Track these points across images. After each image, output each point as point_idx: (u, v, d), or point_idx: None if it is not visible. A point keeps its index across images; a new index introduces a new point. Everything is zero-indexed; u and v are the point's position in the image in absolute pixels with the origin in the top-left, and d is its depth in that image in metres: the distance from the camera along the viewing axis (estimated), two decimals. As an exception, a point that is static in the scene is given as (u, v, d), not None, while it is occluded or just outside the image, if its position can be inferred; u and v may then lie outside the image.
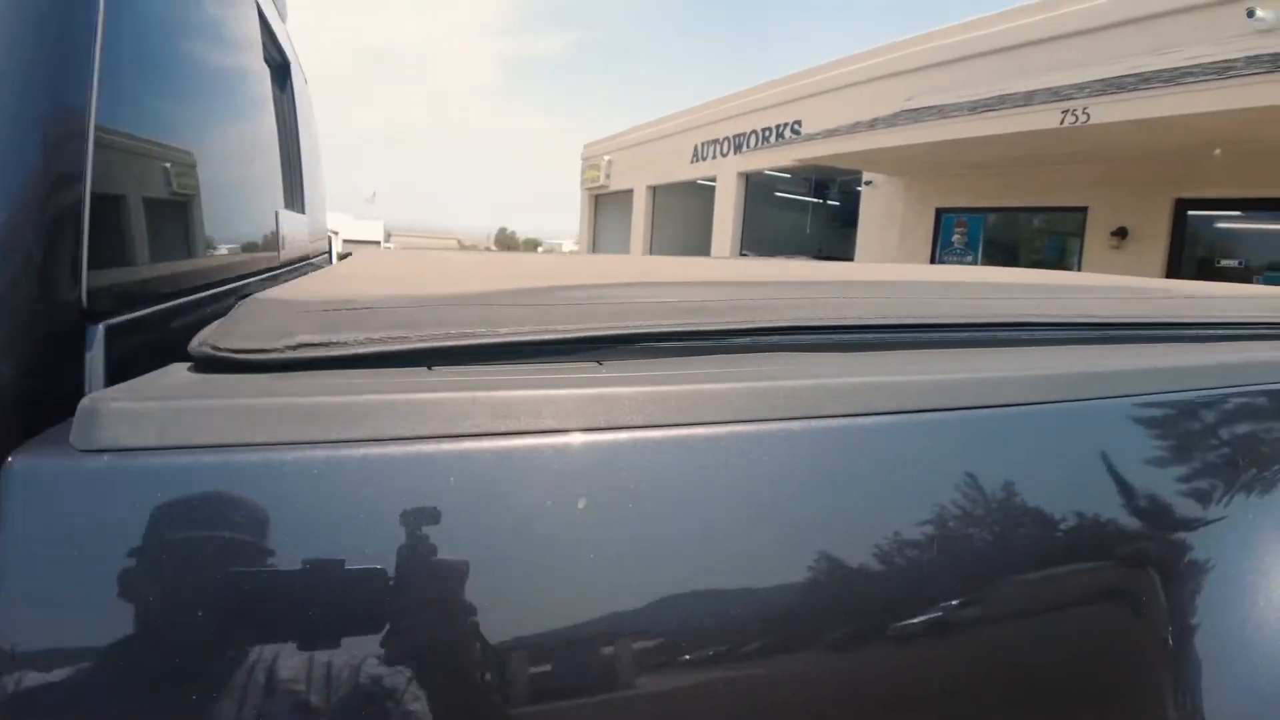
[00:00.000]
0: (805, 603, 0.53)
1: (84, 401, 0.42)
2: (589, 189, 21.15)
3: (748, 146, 14.22)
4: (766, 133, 13.85)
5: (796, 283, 0.73)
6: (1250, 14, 7.08)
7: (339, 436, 0.45)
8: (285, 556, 0.44)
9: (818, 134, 11.37)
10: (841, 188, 14.72)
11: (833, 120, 11.42)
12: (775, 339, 0.64)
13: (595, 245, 21.57)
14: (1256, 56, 6.54)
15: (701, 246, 16.12)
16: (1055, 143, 8.16)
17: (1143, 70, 7.34)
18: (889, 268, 1.09)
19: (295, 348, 0.53)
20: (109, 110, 0.58)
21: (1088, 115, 7.15)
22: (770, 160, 13.39)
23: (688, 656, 0.50)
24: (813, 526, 0.54)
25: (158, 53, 0.91)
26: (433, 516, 0.46)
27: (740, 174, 14.75)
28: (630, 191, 18.81)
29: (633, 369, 0.58)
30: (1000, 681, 0.61)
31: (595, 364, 0.59)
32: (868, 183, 12.35)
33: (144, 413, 0.41)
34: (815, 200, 16.47)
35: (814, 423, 0.54)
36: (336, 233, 14.75)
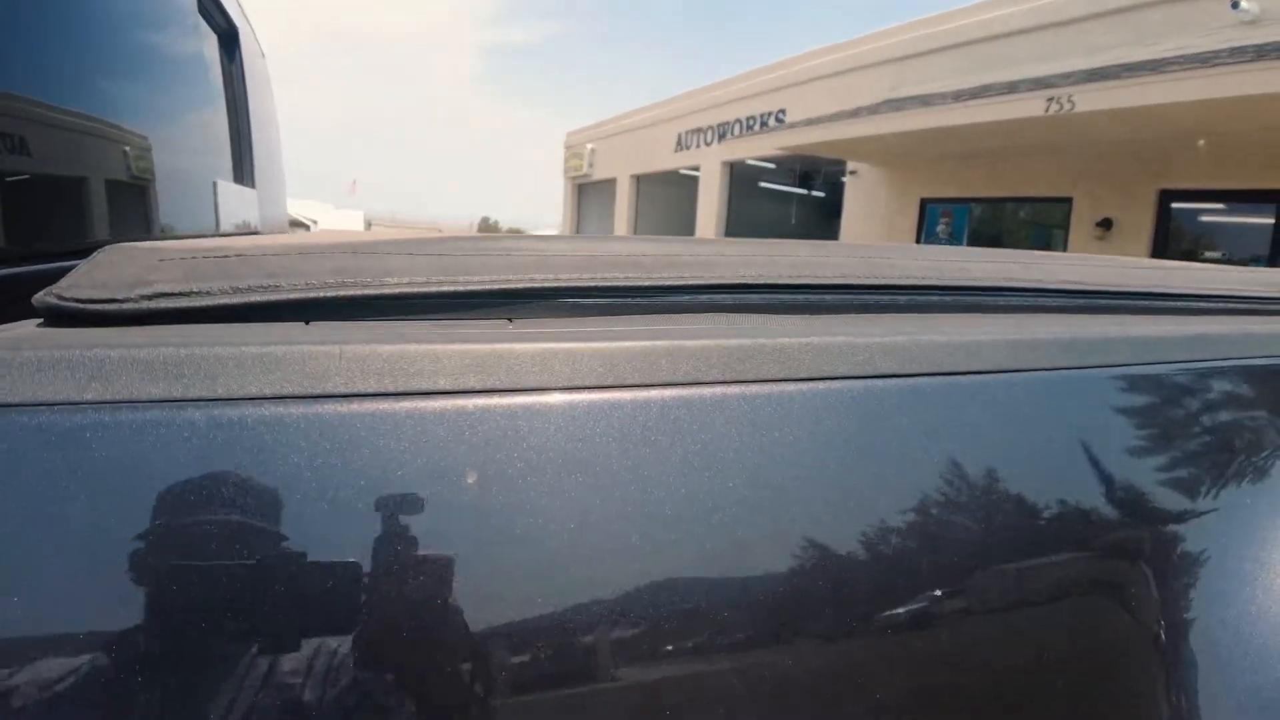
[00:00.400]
0: (721, 578, 0.48)
1: None
2: (572, 178, 21.00)
3: (731, 135, 14.12)
4: (750, 121, 13.75)
5: (750, 244, 0.64)
6: (1235, 4, 7.06)
7: (183, 395, 0.41)
8: (116, 523, 0.39)
9: (801, 122, 11.30)
10: (826, 178, 14.65)
11: (816, 109, 11.34)
12: (716, 298, 0.55)
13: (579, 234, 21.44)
14: (1240, 48, 6.52)
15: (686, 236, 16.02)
16: (1040, 132, 8.14)
17: (1127, 60, 7.30)
18: (869, 245, 1.03)
19: (151, 297, 0.47)
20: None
21: (1072, 104, 7.11)
22: (754, 149, 13.29)
23: (586, 639, 0.45)
24: (734, 496, 0.48)
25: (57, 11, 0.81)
26: (288, 481, 0.41)
27: (724, 163, 14.66)
28: (613, 181, 18.68)
29: (548, 326, 0.51)
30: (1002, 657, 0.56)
31: (505, 320, 0.53)
32: (852, 173, 12.30)
33: None
34: (800, 191, 16.40)
35: (751, 387, 0.48)
36: (316, 221, 14.51)
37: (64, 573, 0.38)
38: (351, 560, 0.41)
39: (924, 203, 11.44)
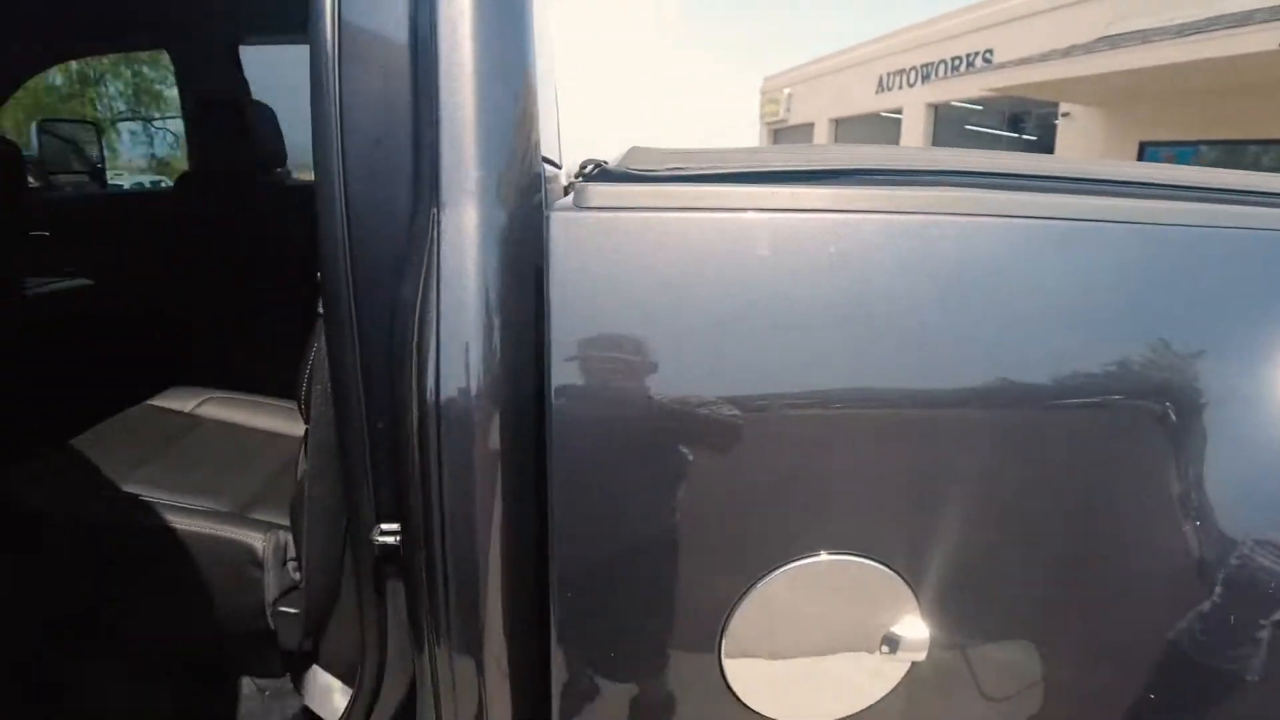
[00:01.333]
0: None
1: (578, 185, 0.69)
2: (768, 123, 21.12)
3: (935, 76, 13.82)
4: (956, 62, 13.38)
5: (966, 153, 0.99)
6: None
7: (697, 205, 0.68)
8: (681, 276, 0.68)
9: (1010, 62, 10.96)
10: (1038, 121, 13.95)
11: (1026, 48, 10.95)
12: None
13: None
14: None
15: (882, 181, 15.86)
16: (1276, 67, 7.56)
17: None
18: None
19: (669, 169, 0.76)
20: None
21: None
22: (959, 91, 12.99)
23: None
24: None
25: None
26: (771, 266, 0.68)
27: (928, 105, 14.38)
28: (811, 125, 18.70)
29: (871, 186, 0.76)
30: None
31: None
32: (1065, 114, 11.76)
33: (603, 191, 0.69)
34: (1010, 134, 15.68)
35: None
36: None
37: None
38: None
39: (1143, 145, 10.80)
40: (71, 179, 2.90)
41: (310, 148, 0.75)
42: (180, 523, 1.10)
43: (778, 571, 0.75)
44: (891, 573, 0.76)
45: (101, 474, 1.20)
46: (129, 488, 1.17)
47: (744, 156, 0.87)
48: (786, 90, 19.83)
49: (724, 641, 0.77)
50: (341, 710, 0.97)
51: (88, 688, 1.25)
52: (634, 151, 0.92)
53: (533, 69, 0.77)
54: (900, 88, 15.17)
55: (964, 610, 0.79)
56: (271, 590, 1.08)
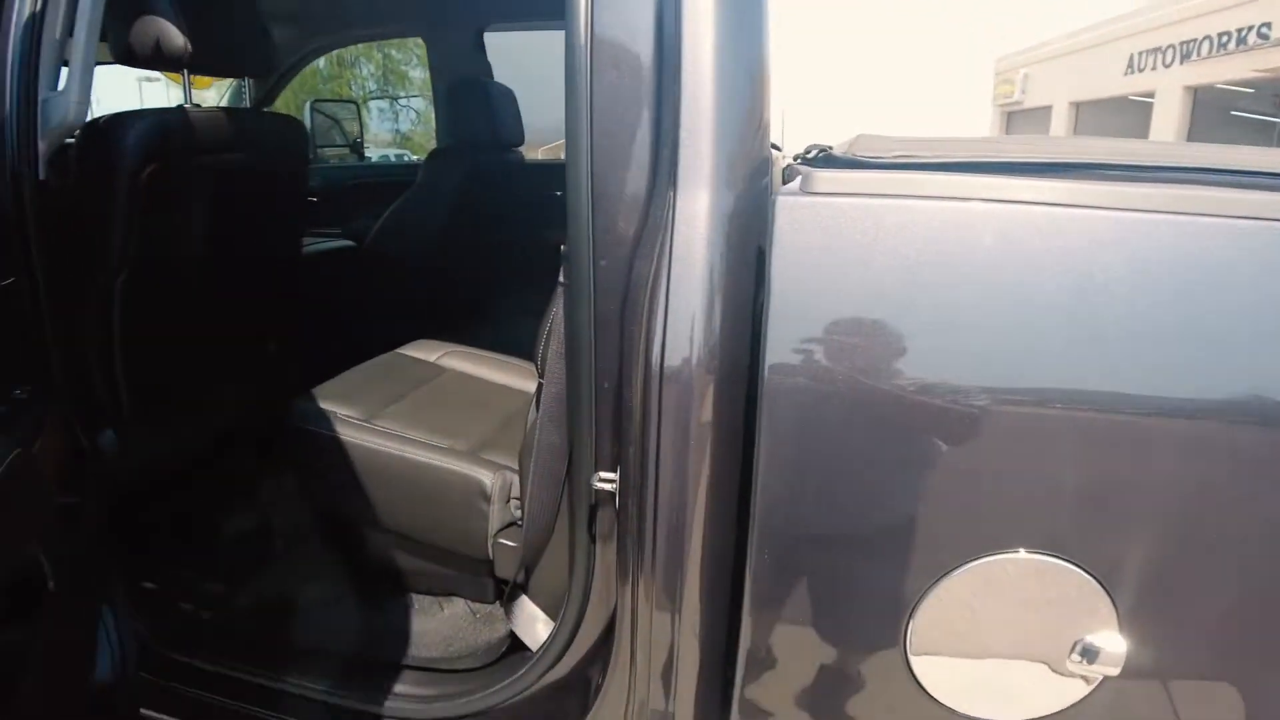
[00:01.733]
0: None
1: (803, 170, 0.74)
2: (1001, 105, 19.74)
3: (1197, 55, 12.26)
4: (1223, 38, 11.78)
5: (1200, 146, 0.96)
6: None
7: (913, 193, 0.71)
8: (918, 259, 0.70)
9: (1295, 38, 9.52)
10: (1326, 106, 12.02)
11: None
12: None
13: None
14: None
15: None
16: None
17: None
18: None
19: (896, 157, 0.80)
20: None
21: None
22: (1225, 71, 11.47)
23: None
24: None
25: None
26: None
27: (1186, 88, 12.80)
28: (1048, 109, 17.27)
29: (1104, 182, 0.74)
30: None
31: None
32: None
33: (830, 177, 0.74)
34: (1287, 121, 13.63)
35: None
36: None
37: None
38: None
39: None
40: (336, 152, 3.31)
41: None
42: (424, 455, 1.27)
43: (973, 564, 0.75)
44: (1092, 579, 0.74)
45: (363, 406, 1.40)
46: (382, 422, 1.35)
47: (974, 146, 0.87)
48: (1023, 71, 18.44)
49: (911, 626, 0.78)
50: (543, 640, 1.08)
51: (323, 595, 1.47)
52: (861, 138, 0.94)
53: (766, 58, 0.82)
54: (1153, 68, 13.62)
55: (1167, 629, 0.76)
56: (494, 523, 1.22)
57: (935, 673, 0.80)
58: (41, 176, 1.08)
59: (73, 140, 1.21)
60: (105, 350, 1.40)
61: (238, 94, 2.65)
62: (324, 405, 1.38)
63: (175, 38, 1.33)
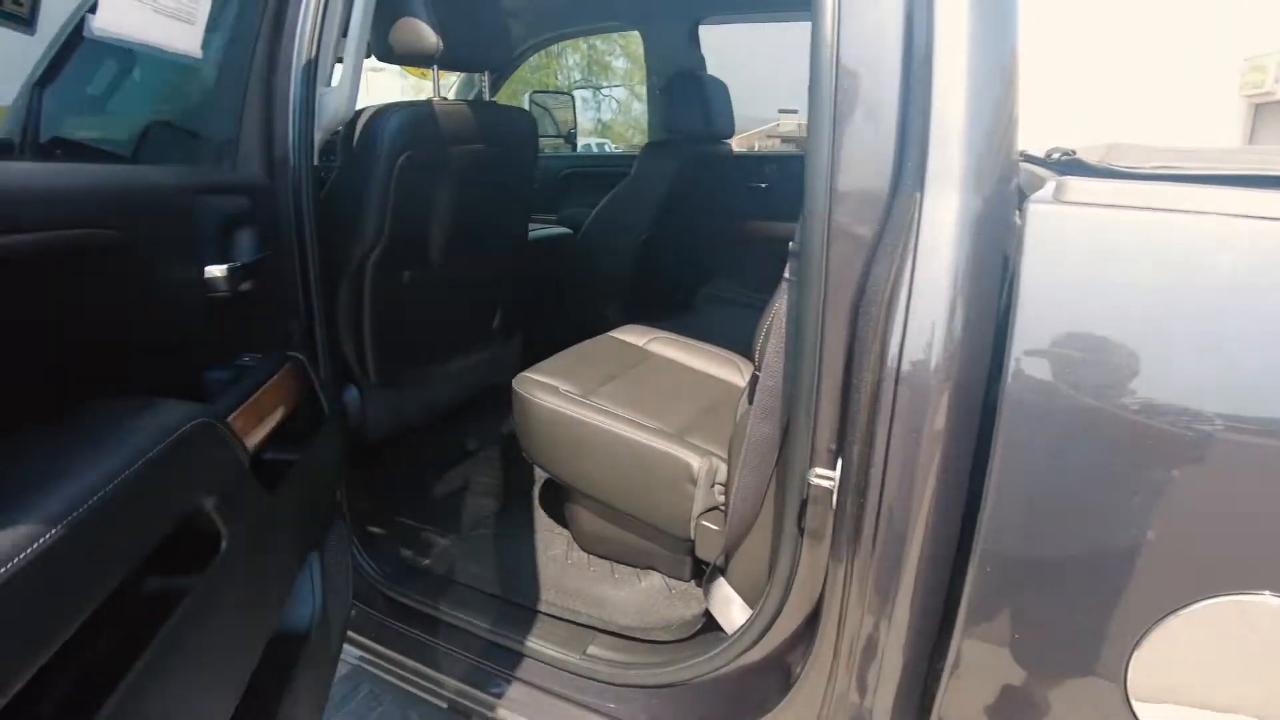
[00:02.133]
0: None
1: (1063, 179, 0.71)
2: (1248, 95, 17.31)
3: None
4: None
5: None
6: None
7: (1163, 206, 0.67)
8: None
9: None
10: None
11: None
12: None
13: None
14: None
15: None
16: None
17: None
18: None
19: (1156, 168, 0.78)
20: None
21: None
22: None
23: None
24: None
25: None
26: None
27: None
28: (1313, 100, 14.94)
29: None
30: None
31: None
32: None
33: (1086, 187, 0.71)
34: None
35: None
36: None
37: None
38: None
39: None
40: (550, 141, 3.49)
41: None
42: (636, 434, 1.33)
43: (1209, 601, 0.71)
44: None
45: (581, 383, 1.50)
46: (598, 399, 1.43)
47: (1241, 157, 0.81)
48: (1278, 57, 16.06)
49: (1133, 660, 0.74)
50: (738, 624, 1.11)
51: (529, 555, 1.59)
52: (1116, 147, 0.91)
53: (1017, 58, 0.79)
54: None
55: None
56: (698, 505, 1.26)
57: (1154, 716, 0.76)
58: (315, 163, 1.22)
59: (339, 130, 1.38)
60: (356, 316, 1.58)
61: (468, 84, 2.87)
62: (545, 379, 1.49)
63: (429, 36, 1.48)
